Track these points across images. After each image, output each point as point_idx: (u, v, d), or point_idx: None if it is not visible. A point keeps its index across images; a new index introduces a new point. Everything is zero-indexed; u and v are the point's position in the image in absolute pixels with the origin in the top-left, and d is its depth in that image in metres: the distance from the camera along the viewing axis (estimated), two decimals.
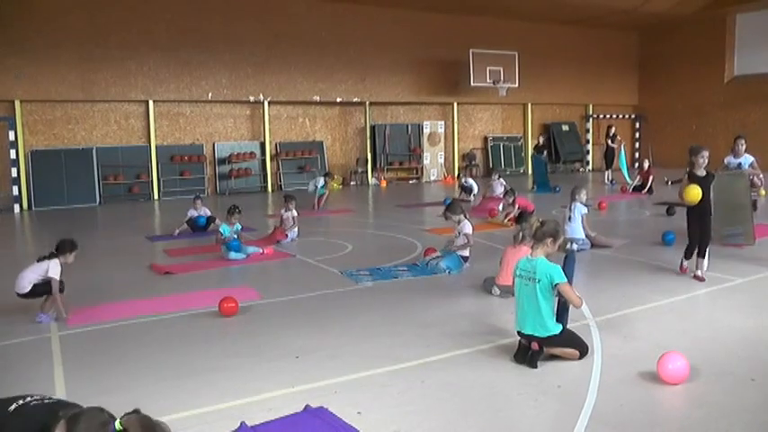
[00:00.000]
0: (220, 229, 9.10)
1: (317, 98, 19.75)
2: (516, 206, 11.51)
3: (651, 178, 16.50)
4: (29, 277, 5.97)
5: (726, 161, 10.43)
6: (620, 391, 4.15)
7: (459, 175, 16.85)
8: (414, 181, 21.81)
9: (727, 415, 3.77)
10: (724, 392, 4.10)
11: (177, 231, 11.14)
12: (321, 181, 14.80)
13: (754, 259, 8.07)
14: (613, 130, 20.44)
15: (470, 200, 14.69)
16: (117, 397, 4.18)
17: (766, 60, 21.65)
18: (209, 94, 18.21)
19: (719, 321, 5.67)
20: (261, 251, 9.16)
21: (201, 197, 12.71)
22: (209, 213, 11.60)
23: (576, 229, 8.84)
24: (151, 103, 17.60)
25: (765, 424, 3.69)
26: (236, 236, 9.05)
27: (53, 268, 5.96)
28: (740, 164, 10.19)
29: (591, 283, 7.04)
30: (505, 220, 11.22)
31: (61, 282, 6.10)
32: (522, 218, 10.94)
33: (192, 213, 11.49)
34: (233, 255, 8.83)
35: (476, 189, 15.36)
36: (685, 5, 21.72)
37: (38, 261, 6.07)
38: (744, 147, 10.22)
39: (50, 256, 6.06)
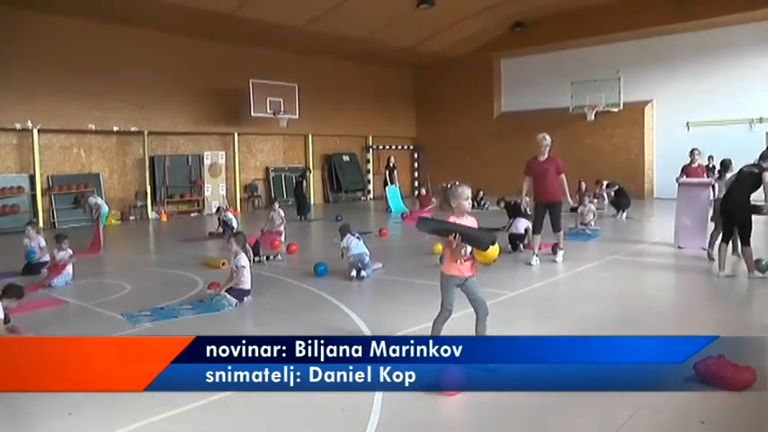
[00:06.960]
0: None
1: (92, 126, 18.31)
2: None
3: (433, 202, 17.61)
4: None
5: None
6: (403, 406, 4.28)
7: (218, 208, 16.06)
8: (195, 214, 21.04)
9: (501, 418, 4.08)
10: (497, 396, 4.42)
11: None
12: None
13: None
14: (392, 162, 21.54)
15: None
16: None
17: (526, 99, 25.12)
18: None
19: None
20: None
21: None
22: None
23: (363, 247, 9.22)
24: None
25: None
26: None
27: None
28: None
29: (374, 305, 7.27)
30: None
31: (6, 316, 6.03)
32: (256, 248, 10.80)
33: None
34: None
35: (234, 224, 14.81)
36: (457, 48, 24.10)
37: None
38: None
39: None
